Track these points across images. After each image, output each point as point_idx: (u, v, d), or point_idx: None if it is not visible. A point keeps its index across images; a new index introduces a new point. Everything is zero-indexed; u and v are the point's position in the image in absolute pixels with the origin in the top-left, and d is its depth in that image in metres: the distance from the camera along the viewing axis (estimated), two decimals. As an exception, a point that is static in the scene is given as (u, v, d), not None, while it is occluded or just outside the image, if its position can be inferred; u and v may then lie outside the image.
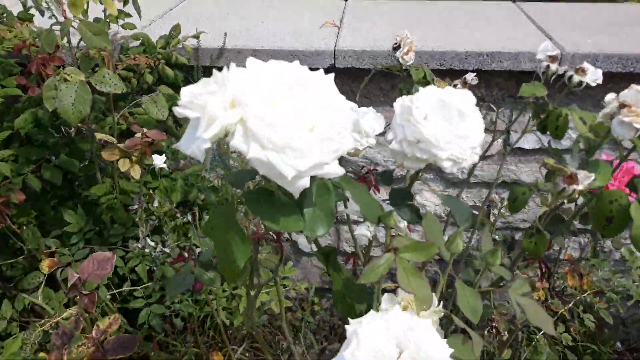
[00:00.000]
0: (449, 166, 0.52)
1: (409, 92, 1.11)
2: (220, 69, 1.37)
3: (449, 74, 1.46)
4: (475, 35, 1.55)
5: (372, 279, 0.49)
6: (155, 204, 1.30)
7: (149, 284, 1.33)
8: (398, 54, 1.03)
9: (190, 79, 1.53)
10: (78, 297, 0.99)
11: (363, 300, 0.55)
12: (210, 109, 0.40)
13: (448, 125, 0.51)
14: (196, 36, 1.47)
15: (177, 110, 0.42)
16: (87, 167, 1.37)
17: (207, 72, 1.52)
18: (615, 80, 1.43)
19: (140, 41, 1.50)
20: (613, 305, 1.48)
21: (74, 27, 1.11)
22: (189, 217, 1.23)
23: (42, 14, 1.36)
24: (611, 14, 1.77)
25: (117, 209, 1.36)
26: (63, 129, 1.41)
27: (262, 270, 1.16)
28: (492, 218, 1.60)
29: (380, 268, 0.49)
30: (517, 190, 0.71)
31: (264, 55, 1.48)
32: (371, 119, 0.63)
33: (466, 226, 0.60)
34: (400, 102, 0.53)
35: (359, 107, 1.63)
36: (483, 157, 1.57)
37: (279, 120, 0.41)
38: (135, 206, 1.33)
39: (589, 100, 1.52)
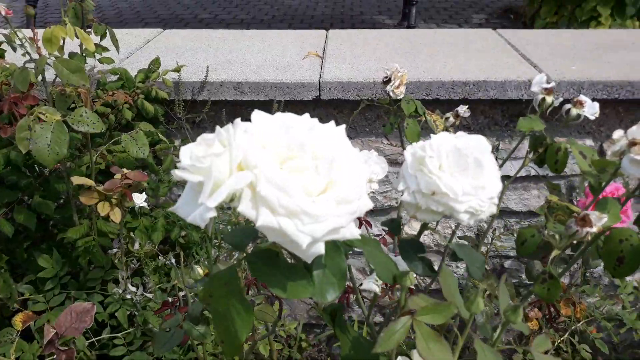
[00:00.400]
0: (466, 219, 0.48)
1: (399, 127, 1.09)
2: (202, 102, 1.33)
3: (435, 104, 1.45)
4: (460, 64, 1.54)
5: (389, 347, 0.45)
6: (136, 246, 1.24)
7: (130, 330, 1.26)
8: (389, 87, 1.01)
9: (171, 114, 1.48)
10: (55, 354, 0.92)
11: (375, 363, 0.51)
12: (216, 172, 0.36)
13: (465, 176, 0.48)
14: (177, 70, 1.42)
15: (177, 174, 0.37)
16: (63, 208, 1.30)
17: (188, 106, 1.48)
18: (600, 107, 1.43)
19: (118, 76, 1.46)
20: (606, 333, 1.46)
21: (50, 65, 1.06)
22: (171, 260, 1.16)
23: (15, 50, 1.30)
24: (590, 40, 1.79)
25: (95, 252, 1.29)
26: (37, 169, 1.35)
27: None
28: (483, 248, 1.58)
29: (397, 334, 0.45)
30: (525, 232, 0.68)
31: (247, 88, 1.44)
32: (373, 163, 0.60)
33: (481, 279, 0.57)
34: (412, 151, 0.50)
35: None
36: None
37: (291, 183, 0.37)
38: (115, 249, 1.27)
39: (575, 127, 1.52)
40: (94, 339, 1.25)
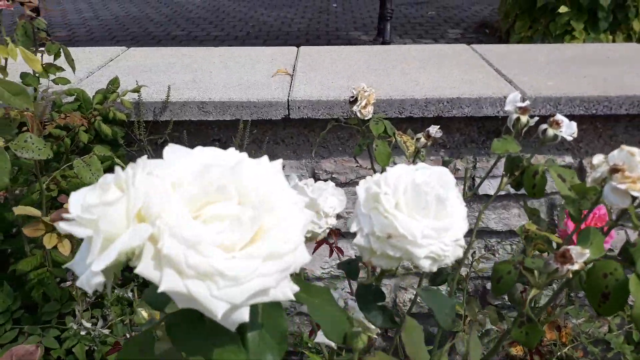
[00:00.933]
0: (427, 265, 0.42)
1: (369, 148, 1.03)
2: (164, 123, 1.24)
3: (409, 122, 1.39)
4: (433, 80, 1.49)
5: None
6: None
7: (87, 368, 1.16)
8: (355, 108, 0.95)
9: (132, 136, 1.40)
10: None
11: None
12: (107, 225, 0.29)
13: (425, 216, 0.41)
14: (136, 90, 1.35)
15: (62, 227, 0.30)
16: (14, 239, 1.21)
17: (149, 127, 1.40)
18: (577, 123, 1.39)
19: (74, 97, 1.38)
20: (593, 358, 1.40)
21: (-10, 87, 0.98)
22: (129, 293, 1.08)
23: None
24: (566, 54, 1.76)
25: (49, 284, 1.21)
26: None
27: None
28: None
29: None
30: (501, 268, 0.62)
31: (212, 107, 1.37)
32: (330, 195, 0.53)
33: (450, 327, 0.50)
34: (365, 186, 0.43)
35: (316, 157, 1.54)
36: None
37: (204, 236, 0.30)
38: (69, 282, 1.18)
39: (553, 145, 1.47)
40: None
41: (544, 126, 0.80)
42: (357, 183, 0.63)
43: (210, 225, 0.31)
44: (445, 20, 4.10)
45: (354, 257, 0.55)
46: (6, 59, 1.03)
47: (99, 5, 4.92)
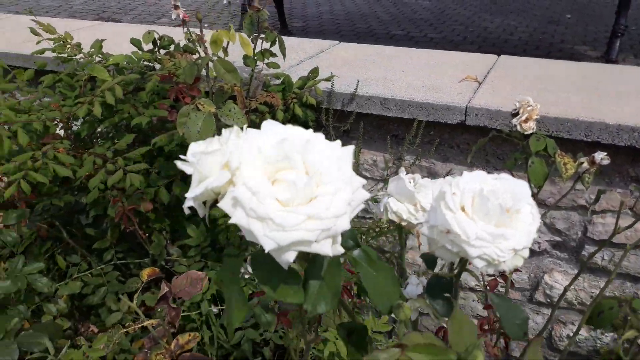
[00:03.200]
0: (480, 266, 0.45)
1: (524, 162, 1.01)
2: (350, 113, 1.38)
3: (596, 147, 1.29)
4: (626, 106, 1.35)
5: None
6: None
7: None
8: (515, 120, 0.95)
9: (319, 120, 1.57)
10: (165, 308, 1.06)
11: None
12: (203, 168, 0.40)
13: (486, 221, 0.45)
14: (328, 79, 1.51)
15: (178, 165, 0.43)
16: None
17: (337, 115, 1.55)
18: None
19: (281, 80, 1.59)
20: None
21: (211, 63, 1.22)
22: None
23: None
24: None
25: (232, 231, 1.44)
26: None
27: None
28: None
29: (379, 363, 0.44)
30: (605, 303, 0.59)
31: (393, 104, 1.46)
32: (429, 193, 0.58)
33: (520, 338, 0.52)
34: (440, 184, 0.48)
35: (478, 166, 1.52)
36: (635, 246, 1.35)
37: (266, 190, 0.39)
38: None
39: None
40: (218, 309, 1.39)
41: None
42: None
43: (275, 184, 0.40)
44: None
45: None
46: (228, 42, 1.26)
47: (335, 0, 5.36)
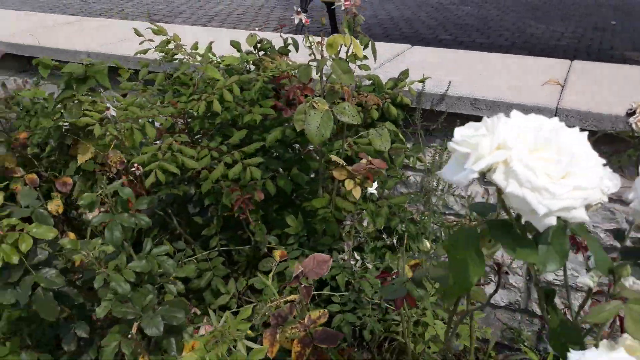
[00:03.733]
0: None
1: (637, 161, 1.10)
2: (438, 113, 1.49)
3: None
4: None
5: (596, 320, 0.54)
6: (365, 223, 1.44)
7: (345, 293, 1.47)
8: (632, 120, 1.04)
9: (409, 120, 1.67)
10: (298, 286, 1.16)
11: (576, 341, 0.59)
12: (480, 148, 0.50)
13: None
14: (422, 81, 1.61)
15: (450, 145, 0.53)
16: (311, 182, 1.58)
17: (425, 115, 1.65)
18: None
19: (371, 81, 1.70)
20: None
21: (328, 65, 1.32)
22: (394, 241, 1.34)
23: (297, 50, 1.64)
24: None
25: (330, 221, 1.54)
26: (296, 148, 1.65)
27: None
28: None
29: (606, 313, 0.54)
30: None
31: (483, 105, 1.56)
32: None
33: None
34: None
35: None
36: None
37: (537, 165, 0.49)
38: (347, 222, 1.50)
39: None
40: (315, 293, 1.50)
41: None
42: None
43: (539, 161, 0.50)
44: None
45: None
46: (341, 45, 1.36)
47: (377, 6, 5.46)
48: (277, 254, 1.22)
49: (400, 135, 1.49)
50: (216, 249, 1.60)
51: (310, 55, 1.42)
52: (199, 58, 1.68)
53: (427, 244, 0.89)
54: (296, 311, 1.18)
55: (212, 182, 1.48)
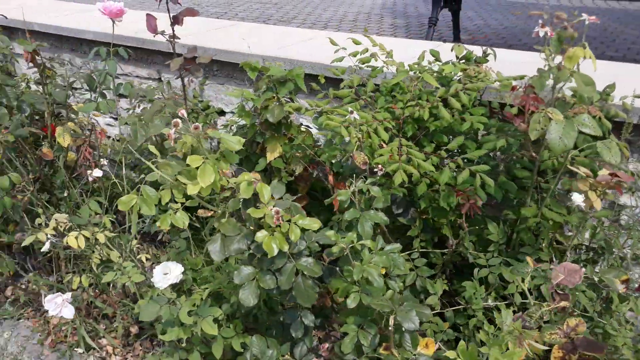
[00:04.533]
0: None
1: None
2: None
3: None
4: None
5: None
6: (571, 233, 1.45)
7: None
8: None
9: (614, 133, 1.66)
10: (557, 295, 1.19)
11: None
12: None
13: None
14: (637, 96, 1.60)
15: None
16: (520, 192, 1.60)
17: (631, 129, 1.64)
18: None
19: (571, 93, 1.70)
20: None
21: (571, 77, 1.34)
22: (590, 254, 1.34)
23: (495, 59, 1.68)
24: None
25: (542, 230, 1.56)
26: (503, 156, 1.69)
27: None
28: None
29: None
30: None
31: None
32: None
33: None
34: None
35: None
36: None
37: None
38: (569, 233, 1.51)
39: None
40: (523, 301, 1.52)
41: None
42: None
43: None
44: None
45: None
46: (581, 58, 1.38)
47: (487, 15, 5.42)
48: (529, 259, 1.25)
49: (625, 150, 1.49)
50: (416, 250, 1.66)
51: (545, 66, 1.45)
52: (434, 67, 1.73)
53: None
54: (549, 316, 1.21)
55: (426, 186, 1.53)
